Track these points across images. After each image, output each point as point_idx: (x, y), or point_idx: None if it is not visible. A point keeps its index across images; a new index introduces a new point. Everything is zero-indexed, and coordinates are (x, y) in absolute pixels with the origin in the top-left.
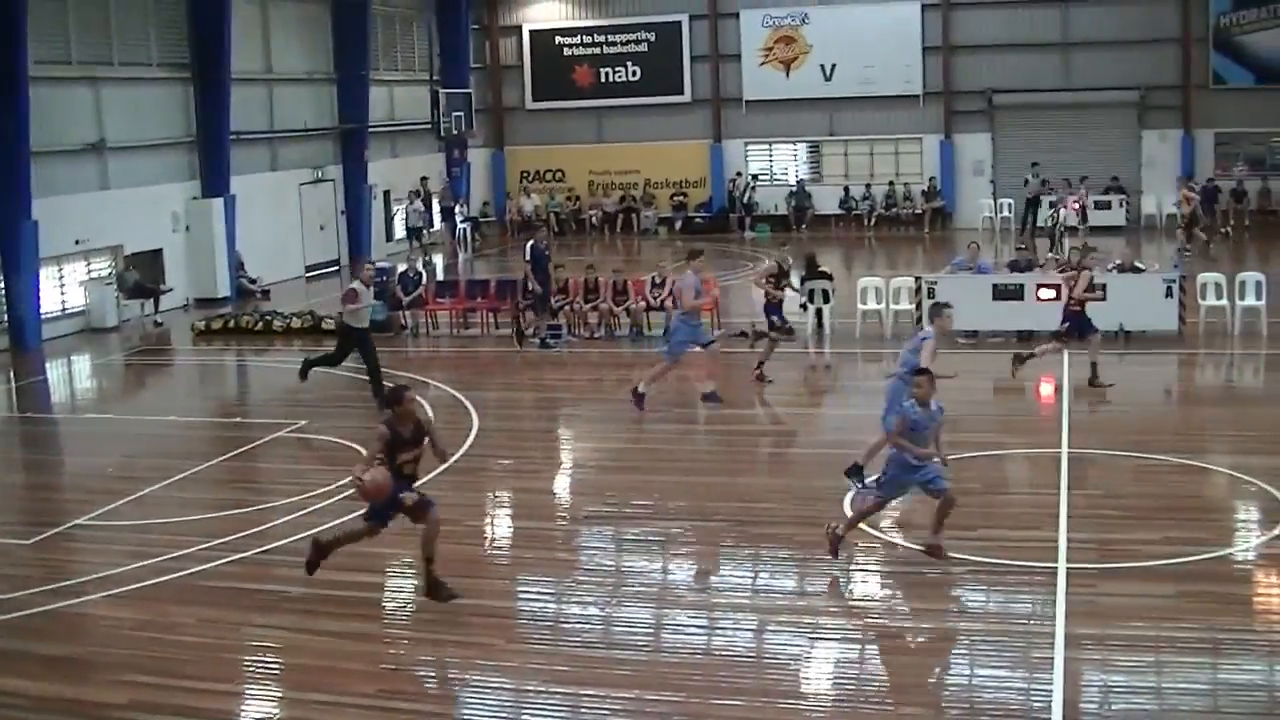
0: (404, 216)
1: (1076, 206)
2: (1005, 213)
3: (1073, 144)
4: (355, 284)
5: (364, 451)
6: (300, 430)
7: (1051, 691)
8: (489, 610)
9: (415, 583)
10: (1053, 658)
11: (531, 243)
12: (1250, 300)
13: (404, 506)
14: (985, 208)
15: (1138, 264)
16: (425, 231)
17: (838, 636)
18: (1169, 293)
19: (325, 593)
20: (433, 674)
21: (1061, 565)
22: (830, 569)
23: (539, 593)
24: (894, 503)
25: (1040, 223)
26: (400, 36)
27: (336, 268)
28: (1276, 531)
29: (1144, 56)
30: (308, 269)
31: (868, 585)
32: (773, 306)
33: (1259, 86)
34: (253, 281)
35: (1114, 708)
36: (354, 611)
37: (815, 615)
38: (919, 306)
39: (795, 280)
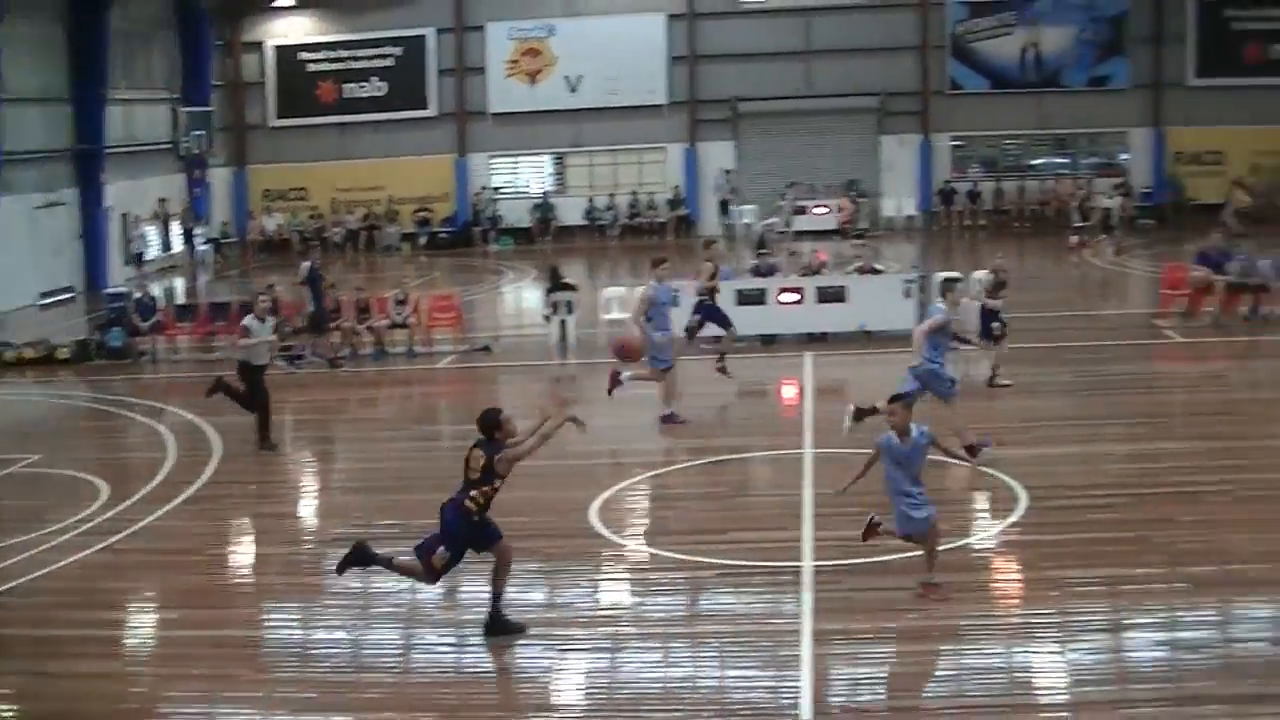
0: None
1: (822, 211)
2: (748, 219)
3: (814, 150)
4: (248, 319)
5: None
6: (34, 465)
7: (800, 688)
8: (234, 641)
9: (157, 616)
10: (800, 654)
11: (308, 263)
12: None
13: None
14: (729, 214)
15: (877, 265)
16: (152, 256)
17: (588, 646)
18: (908, 293)
19: (63, 633)
20: (178, 710)
21: (807, 563)
22: (579, 579)
23: (285, 619)
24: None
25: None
26: (140, 54)
27: (71, 294)
28: (1011, 519)
29: (884, 64)
30: (41, 296)
31: (617, 594)
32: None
33: (992, 91)
34: None
35: (862, 699)
36: (94, 651)
37: (565, 627)
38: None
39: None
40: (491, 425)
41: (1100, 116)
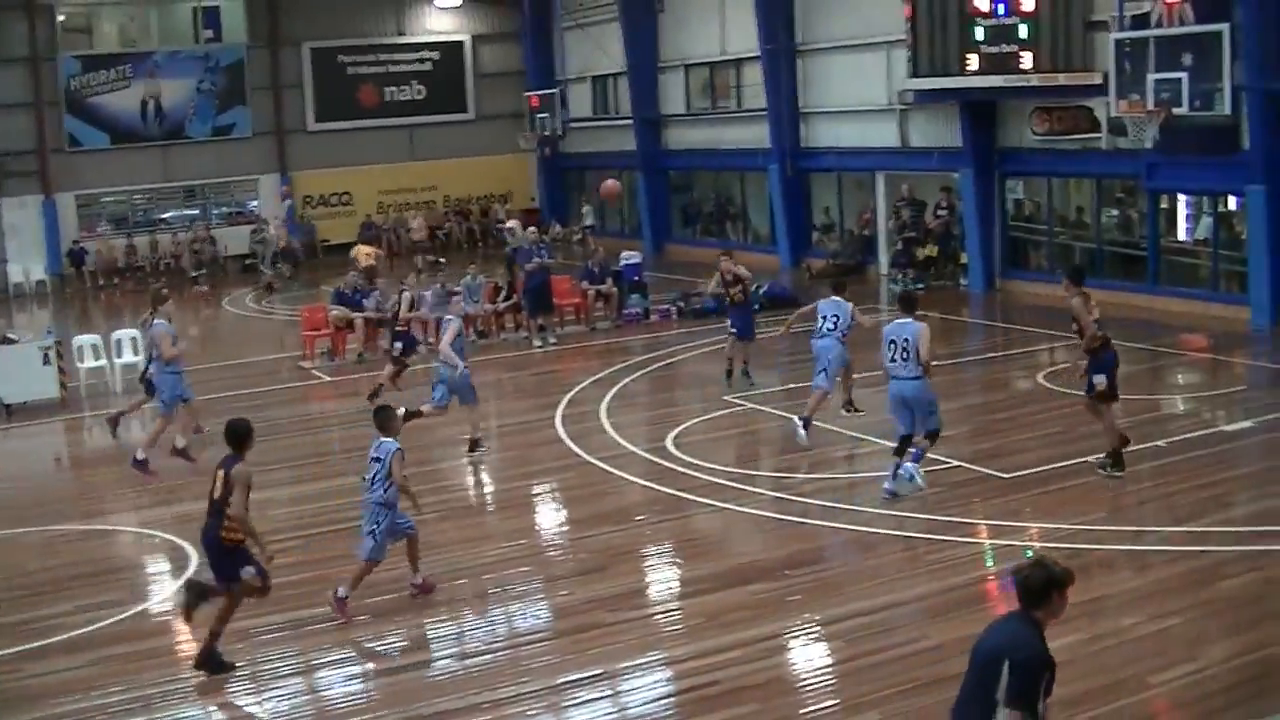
0: None
1: None
2: None
3: None
4: None
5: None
6: None
7: None
8: None
9: None
10: None
11: None
12: (129, 357)
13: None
14: None
15: (10, 335)
16: None
17: None
18: (46, 359)
19: None
20: None
21: None
22: None
23: None
24: None
25: None
26: None
27: None
28: (185, 578)
29: None
30: None
31: None
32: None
33: (114, 146)
34: None
35: None
36: None
37: None
38: None
39: None
40: (242, 436)
41: (227, 166)
